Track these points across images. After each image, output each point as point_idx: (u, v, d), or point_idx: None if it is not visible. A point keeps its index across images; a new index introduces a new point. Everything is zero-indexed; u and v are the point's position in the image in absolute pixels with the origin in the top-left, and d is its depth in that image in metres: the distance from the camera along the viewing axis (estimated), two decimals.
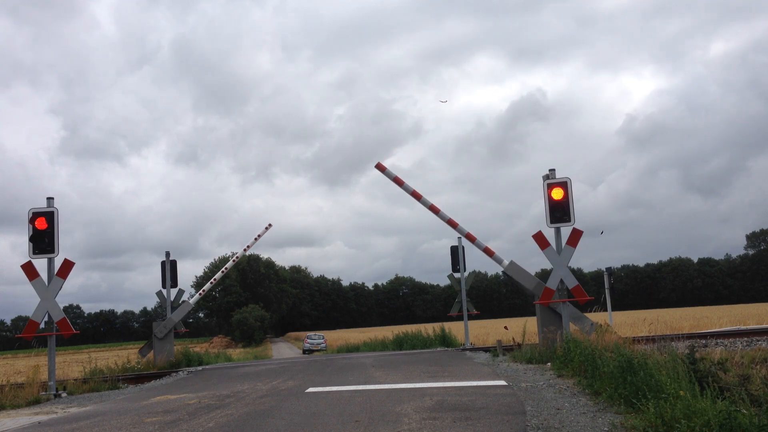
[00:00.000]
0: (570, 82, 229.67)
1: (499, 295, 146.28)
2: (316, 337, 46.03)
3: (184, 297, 21.42)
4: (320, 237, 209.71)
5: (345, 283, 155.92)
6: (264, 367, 16.56)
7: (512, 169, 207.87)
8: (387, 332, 31.33)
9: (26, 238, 13.19)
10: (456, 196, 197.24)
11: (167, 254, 20.58)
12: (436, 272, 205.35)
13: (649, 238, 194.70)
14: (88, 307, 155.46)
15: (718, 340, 15.20)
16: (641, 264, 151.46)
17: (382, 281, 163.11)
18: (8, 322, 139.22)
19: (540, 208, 14.06)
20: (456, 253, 20.36)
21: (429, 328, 23.60)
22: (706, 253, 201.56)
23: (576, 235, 13.01)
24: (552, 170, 13.27)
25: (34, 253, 13.18)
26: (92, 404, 11.18)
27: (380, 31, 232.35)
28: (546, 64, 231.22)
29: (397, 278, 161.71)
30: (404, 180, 15.90)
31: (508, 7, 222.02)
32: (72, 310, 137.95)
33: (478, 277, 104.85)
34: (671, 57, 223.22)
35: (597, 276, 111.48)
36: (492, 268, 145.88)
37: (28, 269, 13.29)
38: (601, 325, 13.45)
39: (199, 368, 18.09)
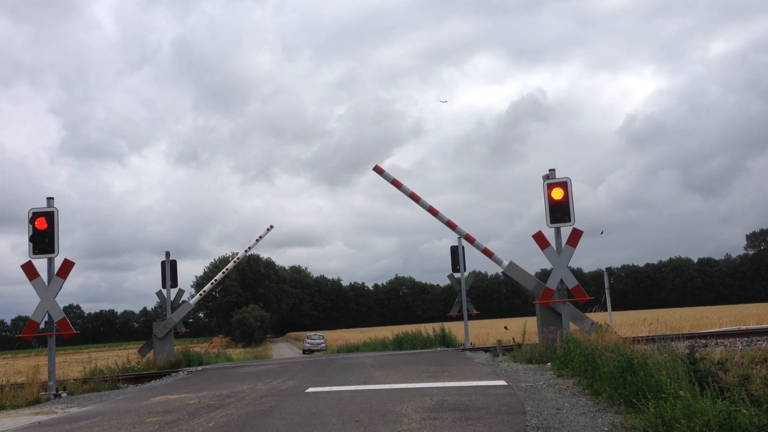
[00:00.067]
0: (570, 82, 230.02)
1: (499, 295, 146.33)
2: (316, 337, 46.00)
3: (184, 297, 21.44)
4: (320, 237, 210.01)
5: (345, 283, 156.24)
6: (264, 367, 16.56)
7: (512, 169, 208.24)
8: (387, 332, 31.32)
9: (26, 238, 13.20)
10: (456, 196, 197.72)
11: (167, 254, 20.60)
12: (436, 272, 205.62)
13: (649, 238, 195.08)
14: (88, 307, 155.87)
15: (718, 340, 15.21)
16: (641, 264, 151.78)
17: (382, 281, 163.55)
18: (8, 322, 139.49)
19: (540, 208, 14.07)
20: (456, 253, 20.37)
21: (429, 328, 23.58)
22: (706, 253, 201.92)
23: (576, 235, 13.02)
24: (552, 170, 13.28)
25: (34, 253, 13.18)
26: (92, 404, 11.18)
27: (380, 31, 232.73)
28: (546, 64, 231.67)
29: (397, 278, 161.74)
30: (403, 181, 15.93)
31: (508, 7, 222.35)
32: (72, 310, 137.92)
33: (478, 277, 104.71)
34: (671, 57, 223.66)
35: (597, 276, 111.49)
36: (492, 268, 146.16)
37: (28, 269, 13.30)
38: (601, 325, 13.46)
39: (199, 368, 18.09)
